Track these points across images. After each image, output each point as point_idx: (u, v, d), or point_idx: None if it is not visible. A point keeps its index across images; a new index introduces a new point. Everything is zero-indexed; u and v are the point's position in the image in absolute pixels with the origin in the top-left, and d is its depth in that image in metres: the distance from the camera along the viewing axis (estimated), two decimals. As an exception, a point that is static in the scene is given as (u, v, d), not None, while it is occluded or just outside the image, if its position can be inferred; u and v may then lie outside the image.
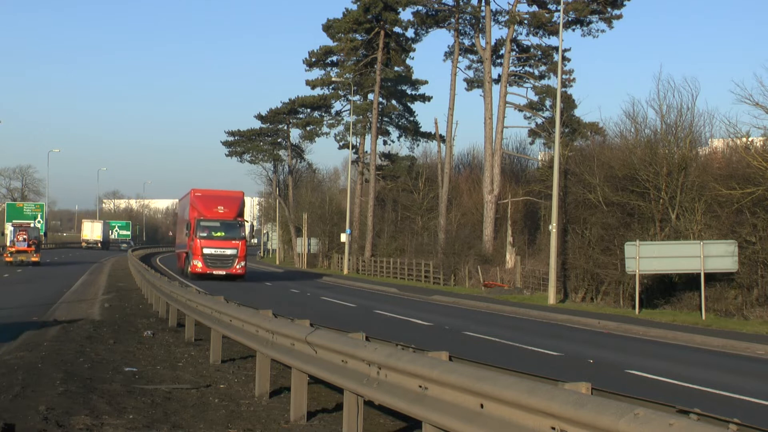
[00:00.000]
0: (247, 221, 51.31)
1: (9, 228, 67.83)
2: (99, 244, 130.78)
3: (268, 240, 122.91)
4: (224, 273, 48.60)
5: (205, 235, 48.69)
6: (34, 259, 62.99)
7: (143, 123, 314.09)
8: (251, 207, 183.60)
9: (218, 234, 48.92)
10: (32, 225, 77.63)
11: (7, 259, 63.72)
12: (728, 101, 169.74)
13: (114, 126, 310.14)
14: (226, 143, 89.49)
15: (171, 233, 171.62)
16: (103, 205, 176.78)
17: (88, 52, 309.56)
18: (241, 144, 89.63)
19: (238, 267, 49.09)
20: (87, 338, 19.03)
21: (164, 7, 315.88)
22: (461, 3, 58.21)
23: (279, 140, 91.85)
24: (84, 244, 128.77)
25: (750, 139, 35.81)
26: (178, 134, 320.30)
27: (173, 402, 12.13)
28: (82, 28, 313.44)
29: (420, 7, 60.31)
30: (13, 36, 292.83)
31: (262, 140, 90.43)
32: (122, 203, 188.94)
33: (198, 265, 48.30)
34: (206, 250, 48.49)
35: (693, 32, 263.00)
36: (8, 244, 66.33)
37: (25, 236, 63.95)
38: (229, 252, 48.92)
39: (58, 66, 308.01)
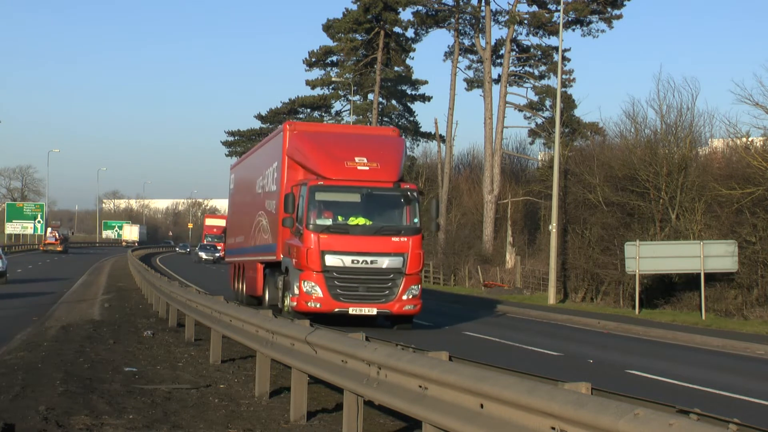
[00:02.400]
0: (419, 191, 24.54)
1: (49, 229, 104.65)
2: (136, 243, 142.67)
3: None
4: (374, 312, 22.12)
5: (327, 223, 22.18)
6: (59, 249, 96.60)
7: (143, 123, 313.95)
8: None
9: (357, 221, 22.35)
10: (60, 226, 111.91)
11: (41, 248, 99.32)
12: (728, 101, 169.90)
13: (114, 126, 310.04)
14: (226, 143, 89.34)
15: (171, 233, 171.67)
16: (103, 205, 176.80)
17: (88, 52, 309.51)
18: (241, 144, 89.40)
19: (405, 299, 22.14)
20: (87, 338, 19.04)
21: (164, 8, 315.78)
22: (461, 3, 58.21)
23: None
24: (124, 243, 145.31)
25: (750, 139, 35.81)
26: (178, 134, 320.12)
27: (173, 402, 12.12)
28: (82, 28, 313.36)
29: (420, 7, 60.31)
30: (13, 36, 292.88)
31: (261, 140, 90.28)
32: (122, 203, 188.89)
33: (312, 292, 21.85)
34: (332, 259, 21.91)
35: (693, 32, 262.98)
36: (45, 239, 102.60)
37: (54, 234, 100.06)
38: (383, 263, 22.09)
39: (58, 66, 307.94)
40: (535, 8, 55.22)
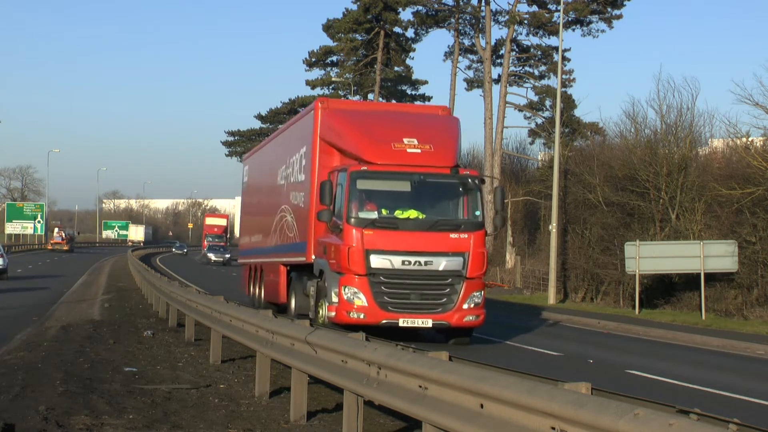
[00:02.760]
0: (481, 177, 19.93)
1: (56, 229, 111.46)
2: (142, 243, 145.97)
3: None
4: (429, 324, 18.75)
5: (373, 217, 18.82)
6: (65, 248, 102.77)
7: (143, 123, 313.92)
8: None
9: (408, 213, 19.09)
10: (66, 227, 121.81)
11: (48, 247, 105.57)
12: (728, 101, 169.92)
13: (114, 126, 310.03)
14: (226, 143, 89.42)
15: (171, 233, 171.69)
16: (103, 205, 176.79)
17: (88, 52, 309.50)
18: (241, 144, 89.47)
19: (465, 308, 18.82)
20: (87, 338, 19.04)
21: (164, 8, 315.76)
22: (461, 3, 58.21)
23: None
24: (130, 243, 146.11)
25: (750, 139, 35.80)
26: (178, 134, 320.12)
27: (173, 402, 12.13)
28: (82, 28, 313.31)
29: (420, 7, 60.30)
30: (13, 36, 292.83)
31: (262, 140, 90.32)
32: (122, 203, 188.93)
33: (354, 300, 18.51)
34: (379, 260, 18.56)
35: (693, 32, 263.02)
36: (52, 238, 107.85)
37: (61, 234, 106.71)
38: (440, 264, 18.76)
39: (58, 66, 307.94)
40: (535, 8, 55.22)
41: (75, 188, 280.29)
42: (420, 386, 7.85)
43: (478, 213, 19.03)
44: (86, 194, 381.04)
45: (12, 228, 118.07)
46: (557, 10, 49.19)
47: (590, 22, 54.01)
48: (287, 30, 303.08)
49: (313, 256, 19.98)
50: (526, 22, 55.11)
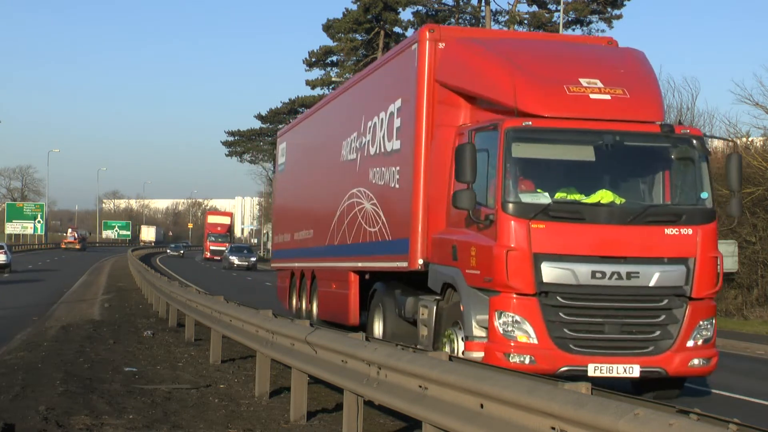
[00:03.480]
0: (705, 139, 13.16)
1: (69, 230, 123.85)
2: (153, 243, 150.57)
3: (267, 240, 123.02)
4: (635, 373, 11.89)
5: (544, 202, 12.00)
6: (77, 247, 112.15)
7: (143, 123, 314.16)
8: (251, 207, 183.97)
9: (599, 196, 12.16)
10: (78, 229, 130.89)
11: (62, 246, 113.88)
12: (728, 101, 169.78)
13: (114, 126, 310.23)
14: (226, 143, 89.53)
15: (171, 233, 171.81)
16: (103, 205, 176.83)
17: (88, 52, 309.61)
18: (241, 144, 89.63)
19: (690, 345, 12.08)
20: (87, 338, 19.03)
21: (164, 8, 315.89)
22: (461, 3, 58.26)
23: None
24: (142, 243, 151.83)
25: (750, 139, 35.79)
26: (178, 134, 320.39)
27: (173, 402, 12.12)
28: (82, 28, 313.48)
29: (420, 7, 60.35)
30: (13, 36, 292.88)
31: (262, 140, 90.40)
32: (122, 203, 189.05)
33: (516, 334, 11.73)
34: (555, 270, 11.77)
35: (693, 32, 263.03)
36: (65, 238, 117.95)
37: (74, 234, 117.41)
38: (650, 276, 11.99)
39: (58, 66, 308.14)
40: (535, 8, 55.27)
41: (75, 188, 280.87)
42: (420, 386, 7.86)
43: (705, 196, 12.52)
44: (86, 194, 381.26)
45: (12, 228, 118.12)
46: (557, 10, 49.24)
47: (590, 22, 54.07)
48: (287, 30, 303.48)
49: (420, 260, 13.73)
50: (526, 22, 55.14)
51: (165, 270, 54.76)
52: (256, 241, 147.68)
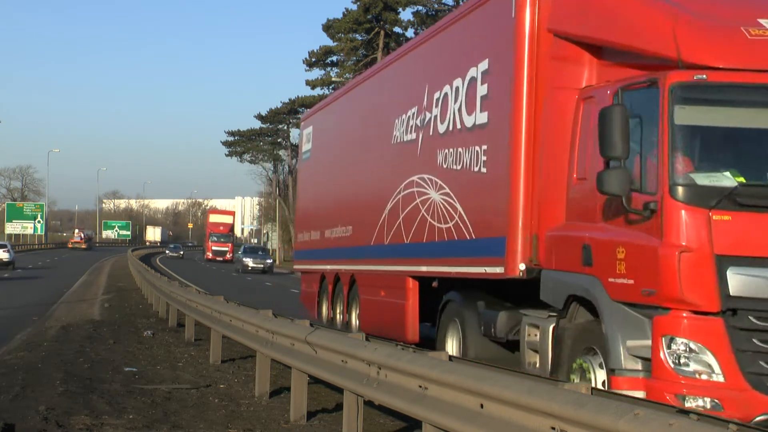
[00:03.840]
0: None
1: (76, 230, 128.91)
2: (158, 243, 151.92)
3: (268, 240, 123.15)
4: None
5: (730, 185, 8.53)
6: (83, 247, 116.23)
7: (143, 123, 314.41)
8: (251, 207, 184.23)
9: None
10: (84, 229, 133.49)
11: (69, 246, 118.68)
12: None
13: (114, 126, 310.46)
14: (226, 143, 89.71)
15: (170, 233, 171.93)
16: (103, 205, 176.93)
17: (88, 52, 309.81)
18: (241, 144, 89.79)
19: None
20: (87, 338, 19.03)
21: (164, 8, 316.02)
22: (461, 3, 58.29)
23: (279, 140, 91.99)
24: (148, 243, 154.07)
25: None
26: (178, 134, 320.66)
27: (173, 402, 12.13)
28: (82, 28, 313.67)
29: (420, 7, 60.47)
30: (13, 36, 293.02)
31: (262, 140, 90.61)
32: (122, 203, 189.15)
33: (693, 366, 8.33)
34: (746, 278, 8.38)
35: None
36: (72, 238, 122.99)
37: (80, 234, 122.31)
38: None
39: (58, 66, 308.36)
40: (535, 8, 55.29)
41: (75, 188, 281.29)
42: (420, 386, 7.86)
43: None
44: (86, 194, 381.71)
45: (12, 228, 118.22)
46: (557, 10, 49.12)
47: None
48: (287, 30, 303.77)
49: (522, 265, 10.64)
50: (526, 22, 55.15)
51: (165, 270, 54.72)
52: (256, 241, 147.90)
